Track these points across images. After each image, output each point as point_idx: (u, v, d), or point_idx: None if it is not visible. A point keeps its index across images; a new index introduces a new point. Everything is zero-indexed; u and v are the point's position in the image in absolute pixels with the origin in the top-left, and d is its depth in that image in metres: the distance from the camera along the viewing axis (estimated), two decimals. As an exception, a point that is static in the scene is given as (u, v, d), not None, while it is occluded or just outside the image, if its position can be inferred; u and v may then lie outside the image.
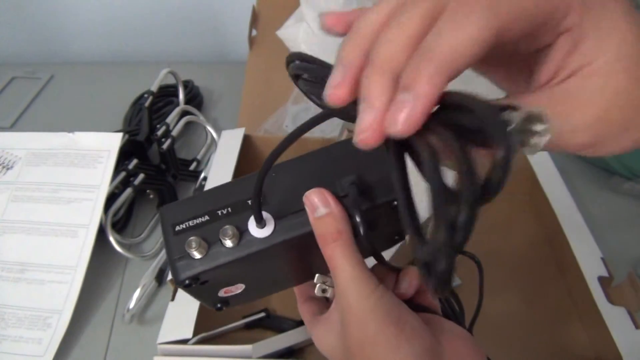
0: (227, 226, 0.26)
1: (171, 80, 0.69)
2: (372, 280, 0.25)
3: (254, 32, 0.76)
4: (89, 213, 0.52)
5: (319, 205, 0.25)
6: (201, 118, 0.67)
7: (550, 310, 0.48)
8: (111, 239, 0.52)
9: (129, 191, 0.55)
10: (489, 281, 0.50)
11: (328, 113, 0.23)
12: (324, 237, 0.25)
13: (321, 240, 0.25)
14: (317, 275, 0.30)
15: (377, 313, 0.24)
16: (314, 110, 0.66)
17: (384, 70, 0.18)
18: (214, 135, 0.67)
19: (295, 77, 0.25)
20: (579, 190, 0.60)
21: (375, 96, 0.18)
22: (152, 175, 0.58)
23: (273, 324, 0.47)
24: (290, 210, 0.26)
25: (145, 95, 0.62)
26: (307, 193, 0.26)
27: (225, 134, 0.57)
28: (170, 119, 0.62)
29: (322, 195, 0.26)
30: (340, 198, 0.26)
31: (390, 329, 0.24)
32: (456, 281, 0.48)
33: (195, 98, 0.73)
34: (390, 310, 0.25)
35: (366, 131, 0.18)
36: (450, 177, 0.17)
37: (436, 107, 0.18)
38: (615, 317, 0.42)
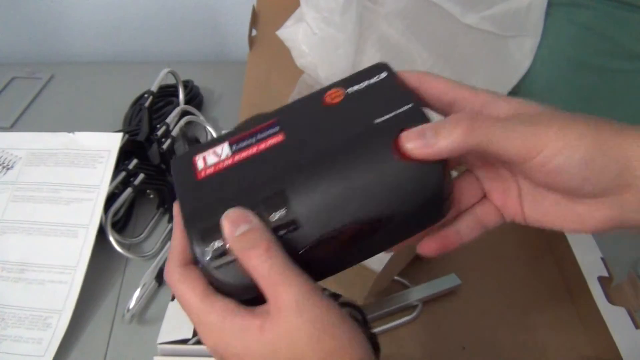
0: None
1: (171, 80, 0.69)
2: (324, 296, 0.23)
3: (254, 32, 0.76)
4: (89, 213, 0.52)
5: (239, 224, 0.23)
6: (201, 118, 0.67)
7: (550, 310, 0.48)
8: (111, 239, 0.52)
9: (129, 191, 0.55)
10: (490, 281, 0.50)
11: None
12: (253, 255, 0.22)
13: (249, 258, 0.22)
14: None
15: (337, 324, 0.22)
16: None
17: None
18: (214, 135, 0.67)
19: None
20: (579, 190, 0.60)
21: None
22: (152, 175, 0.58)
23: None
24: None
25: (145, 95, 0.62)
26: (226, 213, 0.23)
27: (225, 134, 0.57)
28: (170, 119, 0.62)
29: (242, 214, 0.23)
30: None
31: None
32: (456, 281, 0.48)
33: (195, 98, 0.73)
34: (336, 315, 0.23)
35: None
36: None
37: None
38: (615, 317, 0.42)
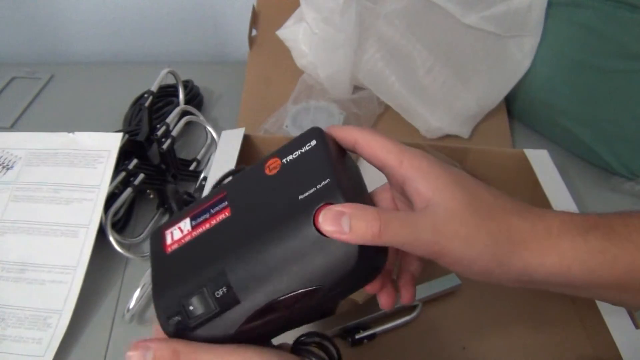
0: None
1: (171, 80, 0.69)
2: (238, 347, 0.26)
3: (254, 32, 0.76)
4: (89, 213, 0.52)
5: (144, 354, 0.26)
6: (201, 118, 0.68)
7: (550, 310, 0.48)
8: (111, 239, 0.52)
9: (129, 191, 0.55)
10: (489, 281, 0.50)
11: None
12: None
13: None
14: None
15: None
16: (314, 110, 0.66)
17: None
18: (214, 135, 0.67)
19: None
20: (579, 190, 0.60)
21: None
22: (152, 175, 0.58)
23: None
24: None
25: (145, 95, 0.62)
26: (128, 354, 0.27)
27: (225, 134, 0.57)
28: (170, 119, 0.62)
29: (139, 347, 0.26)
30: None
31: None
32: (456, 281, 0.48)
33: (195, 98, 0.73)
34: None
35: None
36: None
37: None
38: (615, 317, 0.42)
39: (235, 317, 0.27)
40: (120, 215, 0.56)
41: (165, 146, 0.59)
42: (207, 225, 0.29)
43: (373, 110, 0.67)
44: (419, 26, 0.64)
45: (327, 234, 0.25)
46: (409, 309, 0.47)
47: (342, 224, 0.25)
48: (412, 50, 0.64)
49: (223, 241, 0.28)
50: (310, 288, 0.26)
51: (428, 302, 0.48)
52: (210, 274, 0.27)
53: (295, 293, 0.26)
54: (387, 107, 0.68)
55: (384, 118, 0.68)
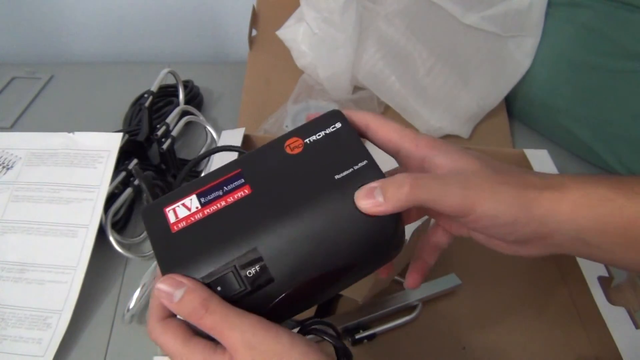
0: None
1: (171, 80, 0.69)
2: (271, 325, 0.25)
3: (254, 32, 0.76)
4: (89, 213, 0.52)
5: (174, 291, 0.25)
6: (201, 118, 0.68)
7: (550, 310, 0.48)
8: (111, 239, 0.52)
9: (129, 191, 0.55)
10: (490, 280, 0.50)
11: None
12: (195, 315, 0.25)
13: (194, 319, 0.25)
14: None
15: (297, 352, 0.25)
16: (314, 110, 0.66)
17: None
18: (214, 135, 0.67)
19: None
20: (579, 190, 0.60)
21: None
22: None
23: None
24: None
25: (145, 95, 0.62)
26: (157, 285, 0.26)
27: (225, 134, 0.57)
28: (170, 119, 0.62)
29: (172, 280, 0.26)
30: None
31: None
32: (456, 281, 0.48)
33: (195, 98, 0.73)
34: (307, 346, 0.25)
35: None
36: None
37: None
38: (615, 317, 0.42)
39: (267, 295, 0.26)
40: (120, 215, 0.56)
41: (165, 146, 0.59)
42: (223, 203, 0.28)
43: (373, 110, 0.67)
44: (419, 26, 0.64)
45: (364, 210, 0.27)
46: (409, 309, 0.47)
47: (375, 196, 0.26)
48: (412, 50, 0.64)
49: (248, 219, 0.27)
50: (345, 265, 0.27)
51: (428, 302, 0.48)
52: (238, 253, 0.26)
53: (331, 270, 0.27)
54: (387, 107, 0.68)
55: (384, 118, 0.68)
